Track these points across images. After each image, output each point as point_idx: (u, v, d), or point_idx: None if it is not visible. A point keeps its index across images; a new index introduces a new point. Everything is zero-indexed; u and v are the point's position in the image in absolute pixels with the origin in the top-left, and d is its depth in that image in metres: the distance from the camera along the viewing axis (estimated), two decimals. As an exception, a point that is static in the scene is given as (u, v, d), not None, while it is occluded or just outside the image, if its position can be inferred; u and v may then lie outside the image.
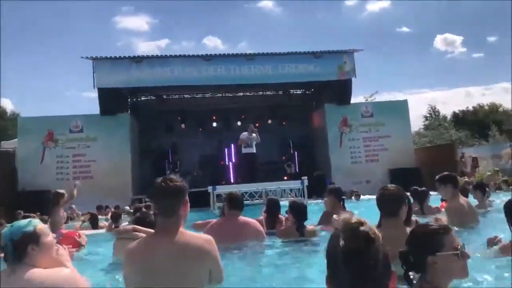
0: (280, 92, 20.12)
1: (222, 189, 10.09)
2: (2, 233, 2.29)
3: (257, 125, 13.99)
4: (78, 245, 4.17)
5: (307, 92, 20.15)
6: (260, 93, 19.96)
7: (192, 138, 18.88)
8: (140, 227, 3.72)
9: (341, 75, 15.48)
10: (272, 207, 5.35)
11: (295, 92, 20.28)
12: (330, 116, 16.39)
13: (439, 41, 79.48)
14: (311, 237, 4.52)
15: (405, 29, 73.98)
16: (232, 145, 19.70)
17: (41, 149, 14.93)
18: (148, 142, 18.13)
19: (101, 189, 13.84)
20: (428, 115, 44.81)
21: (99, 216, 8.57)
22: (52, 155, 14.99)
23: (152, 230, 4.04)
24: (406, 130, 16.88)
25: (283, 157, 19.01)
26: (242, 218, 4.36)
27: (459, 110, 46.84)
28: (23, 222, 2.33)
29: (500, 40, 65.06)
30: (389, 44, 72.80)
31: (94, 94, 15.20)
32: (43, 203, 13.52)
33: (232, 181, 16.46)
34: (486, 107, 46.34)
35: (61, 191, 6.60)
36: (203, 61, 15.29)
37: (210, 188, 10.79)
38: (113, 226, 6.47)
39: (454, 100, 69.50)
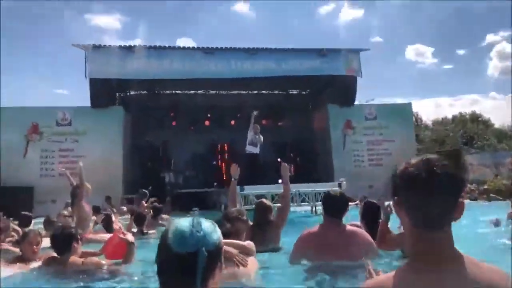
0: (276, 92, 19.41)
1: (251, 190, 9.09)
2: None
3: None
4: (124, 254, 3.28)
5: (304, 92, 19.50)
6: (255, 92, 19.17)
7: (184, 136, 17.93)
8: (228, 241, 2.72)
9: (349, 71, 14.80)
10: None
11: (291, 92, 19.60)
12: (333, 117, 15.77)
13: (410, 51, 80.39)
14: None
15: (378, 38, 74.68)
16: (226, 145, 18.93)
17: (25, 142, 13.73)
18: (138, 138, 17.07)
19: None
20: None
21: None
22: (36, 149, 13.82)
23: (243, 242, 3.09)
24: (410, 134, 16.44)
25: (278, 159, 18.26)
26: (347, 226, 3.35)
27: (442, 118, 47.19)
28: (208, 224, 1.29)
29: (468, 53, 67.81)
30: (362, 52, 73.46)
31: (67, 91, 14.22)
32: (24, 200, 12.53)
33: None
34: (467, 116, 46.73)
35: (77, 182, 5.65)
36: (203, 54, 14.40)
37: (238, 189, 9.76)
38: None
39: (425, 110, 70.44)
